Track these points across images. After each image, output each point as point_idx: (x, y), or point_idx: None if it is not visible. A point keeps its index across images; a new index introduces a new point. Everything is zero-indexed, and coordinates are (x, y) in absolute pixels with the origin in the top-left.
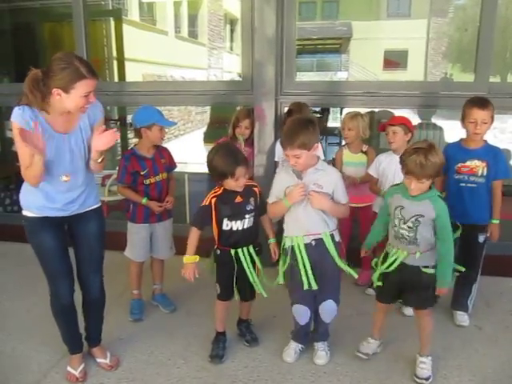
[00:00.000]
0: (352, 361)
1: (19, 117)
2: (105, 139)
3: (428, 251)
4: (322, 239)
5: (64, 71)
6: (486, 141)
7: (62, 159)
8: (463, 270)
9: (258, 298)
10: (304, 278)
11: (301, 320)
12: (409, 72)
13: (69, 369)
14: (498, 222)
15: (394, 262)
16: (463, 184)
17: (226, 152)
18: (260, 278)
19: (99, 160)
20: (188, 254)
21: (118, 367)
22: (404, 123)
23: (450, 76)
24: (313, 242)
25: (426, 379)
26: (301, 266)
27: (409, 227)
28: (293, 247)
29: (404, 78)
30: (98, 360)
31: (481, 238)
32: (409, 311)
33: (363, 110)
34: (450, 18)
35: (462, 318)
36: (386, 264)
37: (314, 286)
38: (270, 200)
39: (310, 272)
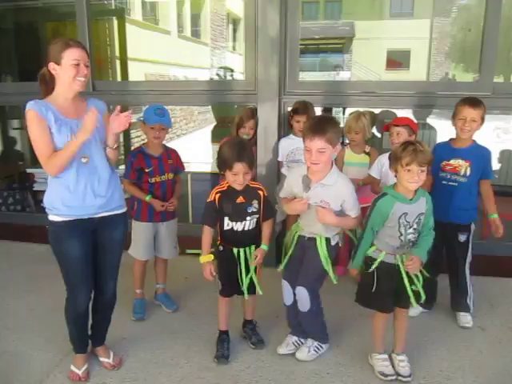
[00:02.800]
0: (355, 361)
1: (33, 104)
2: (119, 121)
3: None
4: (315, 238)
5: (54, 46)
6: (474, 141)
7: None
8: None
9: (260, 298)
10: (282, 259)
11: (285, 298)
12: (411, 72)
13: (72, 368)
14: (496, 215)
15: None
16: (445, 182)
17: (235, 145)
18: (258, 279)
19: (115, 146)
20: (203, 254)
21: (120, 367)
22: (409, 124)
23: (452, 76)
24: (306, 237)
25: (409, 376)
26: (288, 248)
27: (414, 229)
28: (293, 231)
29: (407, 78)
30: (101, 359)
31: (461, 238)
32: (411, 312)
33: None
34: (453, 18)
35: (465, 318)
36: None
37: (280, 268)
38: (281, 194)
39: (288, 256)
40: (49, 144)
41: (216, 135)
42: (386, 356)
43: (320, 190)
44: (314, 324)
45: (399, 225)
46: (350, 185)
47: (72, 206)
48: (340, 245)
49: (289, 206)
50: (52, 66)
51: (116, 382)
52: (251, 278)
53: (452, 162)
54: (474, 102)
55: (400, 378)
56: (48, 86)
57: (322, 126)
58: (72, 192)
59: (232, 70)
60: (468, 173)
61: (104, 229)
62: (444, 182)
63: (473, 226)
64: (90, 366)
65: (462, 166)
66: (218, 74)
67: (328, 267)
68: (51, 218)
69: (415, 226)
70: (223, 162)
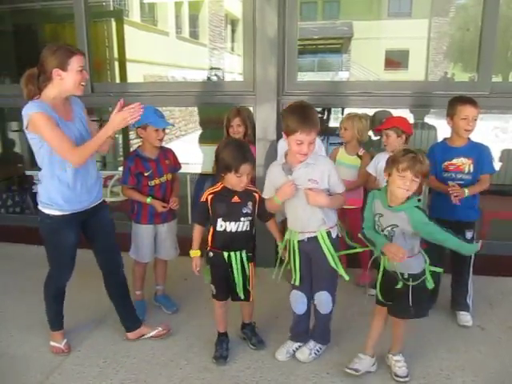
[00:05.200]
0: None
1: (37, 106)
2: (122, 115)
3: (408, 258)
4: (316, 237)
5: (57, 52)
6: (469, 138)
7: (74, 143)
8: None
9: (259, 298)
10: (293, 273)
11: (297, 308)
12: (410, 72)
13: (53, 343)
14: (466, 192)
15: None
16: (451, 182)
17: (237, 147)
18: (250, 283)
19: (113, 135)
20: (193, 249)
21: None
22: (396, 126)
23: (451, 76)
24: (306, 239)
25: (407, 376)
26: (291, 261)
27: (385, 235)
28: (289, 241)
29: (405, 78)
30: (151, 334)
31: (468, 235)
32: None
33: (365, 111)
34: (452, 18)
35: (465, 317)
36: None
37: (297, 283)
38: (264, 195)
39: (297, 269)
40: (66, 137)
41: (205, 136)
42: (365, 356)
43: (304, 170)
44: (327, 325)
45: (374, 221)
46: (330, 160)
47: (71, 201)
48: (340, 235)
49: (278, 194)
50: (57, 71)
51: (116, 383)
52: (245, 284)
53: (454, 161)
54: (473, 101)
55: (397, 378)
56: (35, 87)
57: (314, 117)
58: (71, 189)
59: (230, 71)
60: (472, 170)
61: (93, 215)
62: (450, 182)
63: (476, 224)
64: (91, 366)
65: (465, 163)
66: (215, 75)
67: (336, 263)
68: (50, 211)
69: (386, 234)
70: (226, 166)
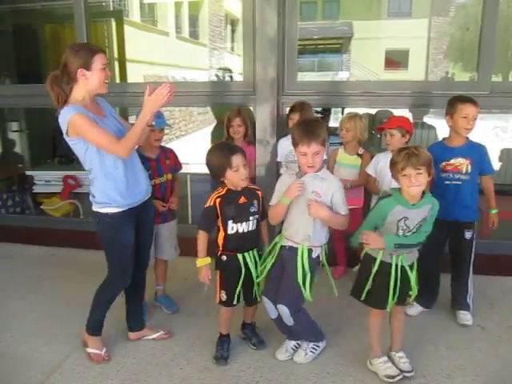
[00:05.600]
0: (355, 361)
1: (73, 108)
2: (156, 97)
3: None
4: (297, 248)
5: (80, 52)
6: (468, 138)
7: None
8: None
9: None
10: (261, 270)
11: (269, 313)
12: (410, 71)
13: (93, 350)
14: (496, 211)
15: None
16: (448, 182)
17: (219, 147)
18: (260, 283)
19: (150, 123)
20: (200, 257)
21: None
22: (401, 125)
23: (451, 75)
24: (287, 247)
25: (412, 370)
26: (267, 261)
27: (413, 233)
28: (275, 243)
29: (405, 78)
30: (153, 336)
31: (467, 235)
32: (411, 311)
33: (364, 111)
34: (452, 17)
35: (465, 316)
36: (374, 271)
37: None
38: (272, 202)
39: (267, 269)
40: (108, 132)
41: (216, 136)
42: (386, 358)
43: (312, 181)
44: (303, 330)
45: (398, 227)
46: (339, 181)
47: (127, 196)
48: (321, 259)
49: (286, 193)
50: (82, 71)
51: (116, 383)
52: (258, 285)
53: (452, 161)
54: (473, 100)
55: (404, 374)
56: (61, 89)
57: (316, 129)
58: (125, 183)
59: (231, 71)
60: (469, 170)
61: (143, 210)
62: (447, 182)
63: (476, 224)
64: (91, 367)
65: (463, 164)
66: (216, 75)
67: (304, 281)
68: (108, 210)
69: (415, 231)
70: (220, 167)
